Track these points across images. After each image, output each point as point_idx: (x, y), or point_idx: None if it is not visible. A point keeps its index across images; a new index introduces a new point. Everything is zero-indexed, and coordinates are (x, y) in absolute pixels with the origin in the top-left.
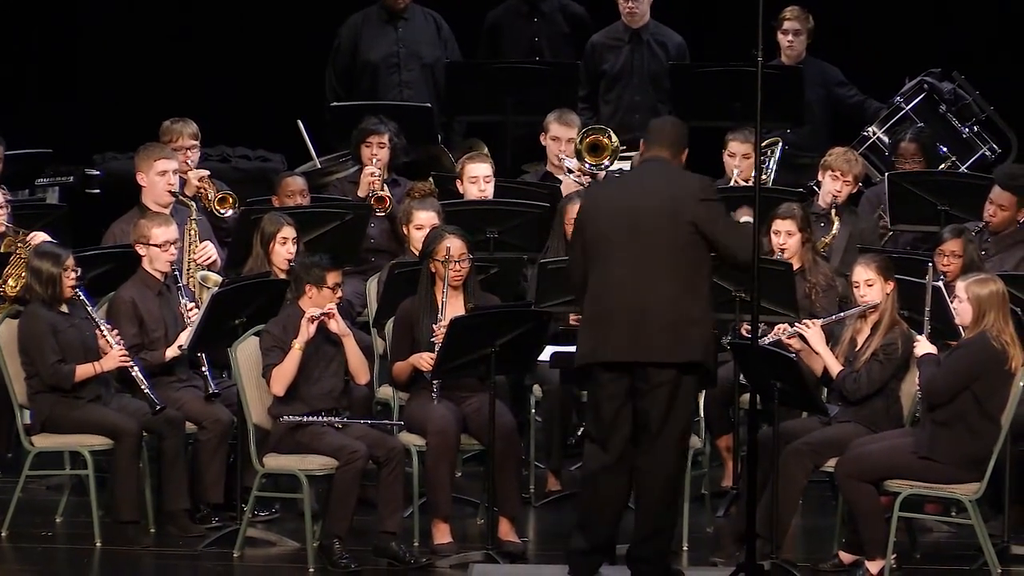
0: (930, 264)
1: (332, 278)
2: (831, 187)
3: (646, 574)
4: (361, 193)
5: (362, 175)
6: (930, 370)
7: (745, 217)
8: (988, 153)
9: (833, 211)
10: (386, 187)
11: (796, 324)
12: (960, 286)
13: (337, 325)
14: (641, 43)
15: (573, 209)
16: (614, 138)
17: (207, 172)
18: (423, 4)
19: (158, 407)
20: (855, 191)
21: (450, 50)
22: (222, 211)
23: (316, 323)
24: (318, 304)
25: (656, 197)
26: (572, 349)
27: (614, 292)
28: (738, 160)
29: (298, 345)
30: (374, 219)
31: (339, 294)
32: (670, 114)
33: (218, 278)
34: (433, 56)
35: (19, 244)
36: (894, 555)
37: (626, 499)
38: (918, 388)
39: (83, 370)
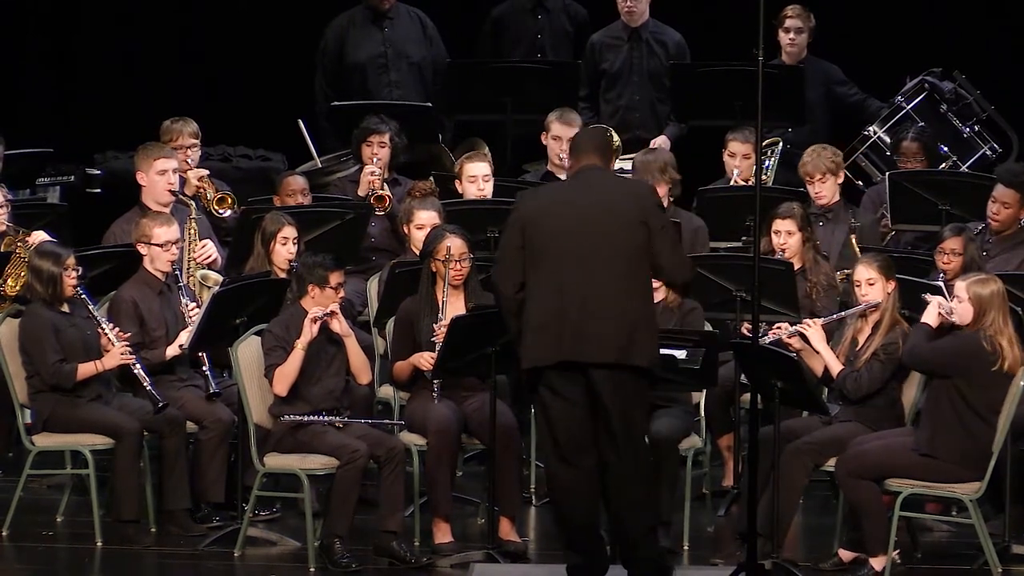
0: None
1: (335, 278)
2: (811, 192)
3: (645, 573)
4: (361, 192)
5: (362, 174)
6: (920, 339)
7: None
8: (989, 152)
9: (844, 207)
10: (386, 186)
11: (797, 323)
12: (960, 286)
13: (340, 325)
14: (641, 42)
15: None
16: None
17: (206, 171)
18: (408, 2)
19: (161, 404)
20: (841, 180)
21: (436, 48)
22: (220, 211)
23: (319, 323)
24: (320, 304)
25: (614, 199)
26: None
27: (570, 294)
28: (738, 160)
29: (301, 345)
30: (374, 218)
31: (341, 294)
32: (670, 114)
33: (218, 277)
34: (420, 55)
35: (19, 243)
36: (896, 551)
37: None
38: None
39: (85, 369)
